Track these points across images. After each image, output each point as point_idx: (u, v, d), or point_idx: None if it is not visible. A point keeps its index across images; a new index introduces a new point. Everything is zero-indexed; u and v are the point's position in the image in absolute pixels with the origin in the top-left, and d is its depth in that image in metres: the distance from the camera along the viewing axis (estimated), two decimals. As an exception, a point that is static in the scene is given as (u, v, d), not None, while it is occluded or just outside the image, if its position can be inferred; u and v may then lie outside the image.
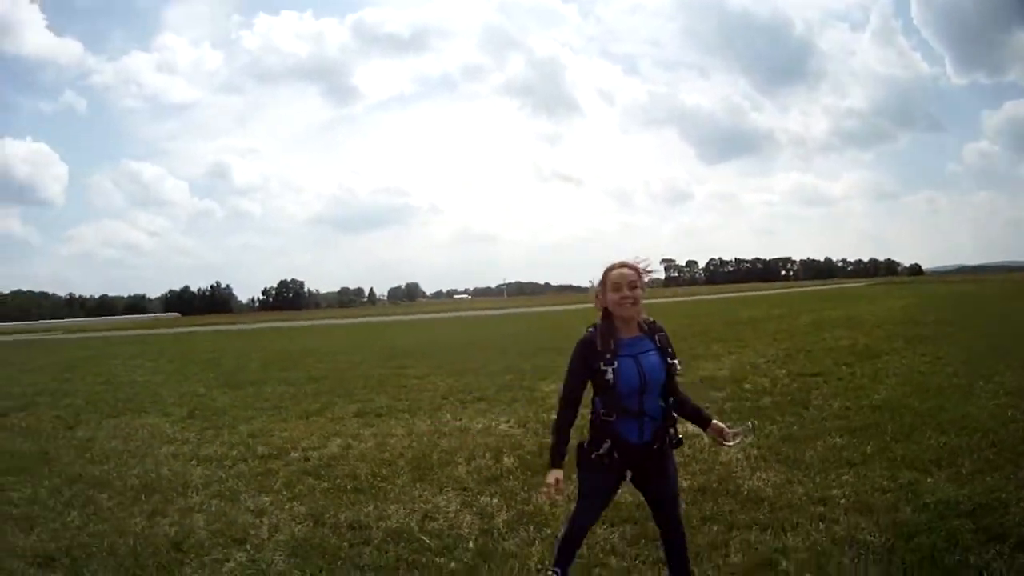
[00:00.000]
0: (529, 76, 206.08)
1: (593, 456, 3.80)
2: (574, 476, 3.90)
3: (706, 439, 7.88)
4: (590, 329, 3.85)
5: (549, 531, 5.29)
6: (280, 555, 5.17)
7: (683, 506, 4.21)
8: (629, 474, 3.84)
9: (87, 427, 10.81)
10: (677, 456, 6.81)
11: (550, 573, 4.02)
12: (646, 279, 3.86)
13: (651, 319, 3.92)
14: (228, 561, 5.12)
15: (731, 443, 3.92)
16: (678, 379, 3.88)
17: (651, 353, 3.76)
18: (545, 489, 3.79)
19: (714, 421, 3.92)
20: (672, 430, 3.86)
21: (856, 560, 4.51)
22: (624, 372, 3.68)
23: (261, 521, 5.95)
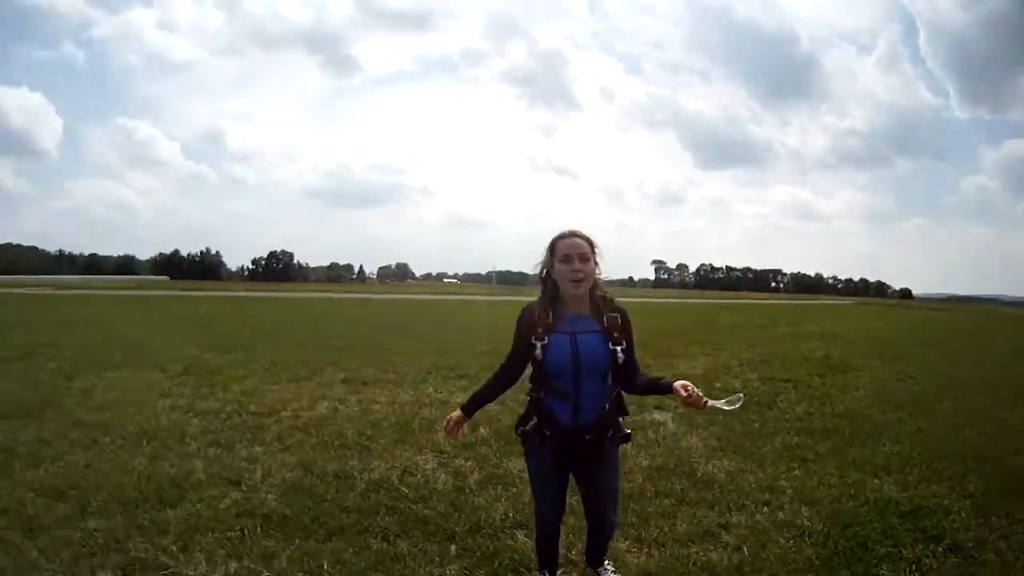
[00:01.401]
0: (530, 66, 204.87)
1: (518, 431, 3.78)
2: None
3: (671, 425, 8.44)
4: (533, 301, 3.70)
5: (515, 490, 5.89)
6: (272, 495, 5.68)
7: (618, 514, 4.10)
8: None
9: (86, 378, 11.20)
10: (640, 440, 7.36)
11: None
12: (598, 253, 3.62)
13: (610, 298, 3.65)
14: (225, 498, 5.60)
15: (713, 404, 3.19)
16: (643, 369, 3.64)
17: (592, 334, 3.51)
18: (443, 423, 3.99)
19: (678, 383, 3.25)
20: (618, 419, 3.67)
21: (792, 540, 4.93)
22: (554, 349, 3.50)
23: (254, 467, 6.46)
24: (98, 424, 8.02)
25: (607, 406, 3.57)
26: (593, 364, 3.47)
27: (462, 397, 9.97)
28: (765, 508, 5.63)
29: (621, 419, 3.70)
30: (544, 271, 3.63)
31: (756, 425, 8.71)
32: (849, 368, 14.76)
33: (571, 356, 3.46)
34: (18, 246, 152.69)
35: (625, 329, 3.57)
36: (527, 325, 3.58)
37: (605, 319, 3.54)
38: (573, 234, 3.57)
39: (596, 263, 3.57)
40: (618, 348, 3.49)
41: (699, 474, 6.50)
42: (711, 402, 3.17)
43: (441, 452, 7.09)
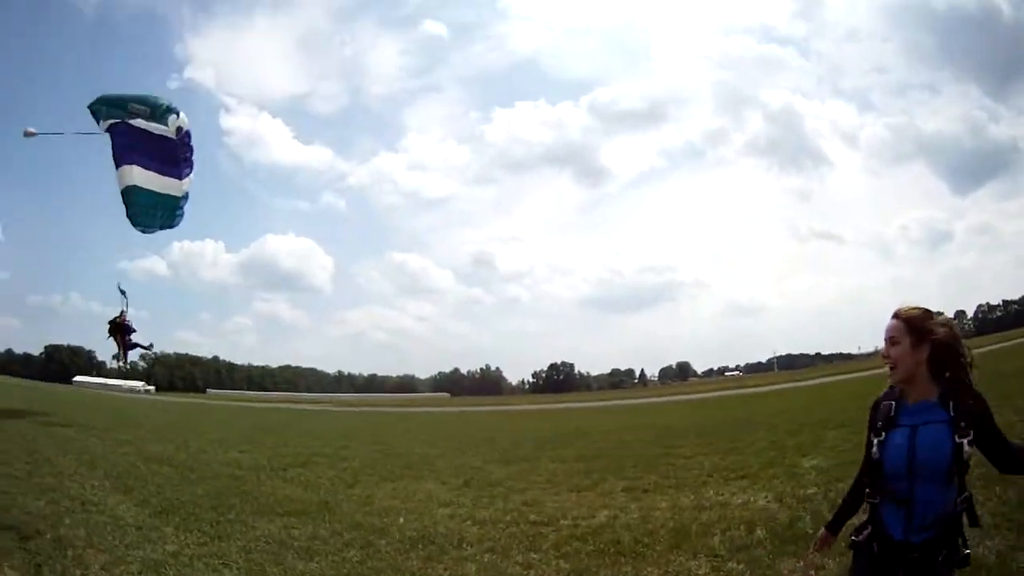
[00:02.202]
0: (770, 132, 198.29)
1: (852, 539, 3.37)
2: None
3: None
4: (889, 389, 3.35)
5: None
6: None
7: None
8: None
9: (365, 486, 11.94)
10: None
11: None
12: (929, 328, 3.17)
13: (963, 380, 3.17)
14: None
15: None
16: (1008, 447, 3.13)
17: (935, 426, 3.07)
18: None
19: None
20: (959, 537, 3.12)
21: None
22: (890, 447, 3.16)
23: (528, 573, 6.56)
24: (375, 527, 8.49)
25: (950, 517, 3.08)
26: (931, 461, 3.04)
27: (742, 498, 9.69)
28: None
29: (962, 537, 3.14)
30: None
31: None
32: None
33: (906, 454, 3.09)
34: (297, 367, 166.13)
35: (980, 416, 3.07)
36: (872, 421, 3.30)
37: (952, 406, 3.08)
38: (894, 315, 3.27)
39: (916, 344, 3.16)
40: (964, 441, 3.00)
41: None
42: None
43: (715, 555, 6.84)
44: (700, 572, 6.41)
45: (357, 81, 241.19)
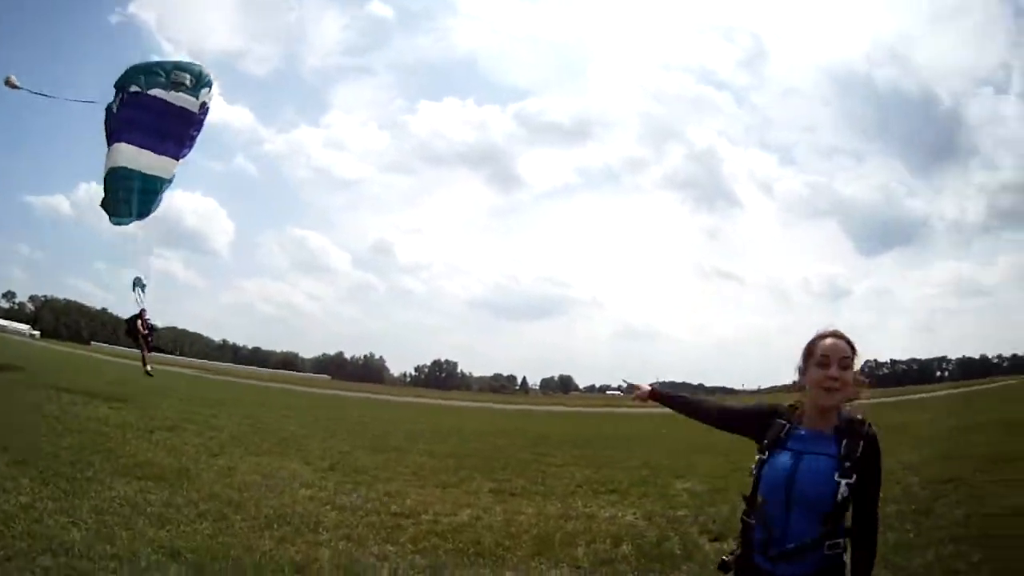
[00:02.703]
0: (689, 169, 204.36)
1: (722, 559, 3.24)
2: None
3: None
4: (790, 405, 3.23)
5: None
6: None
7: None
8: None
9: (230, 458, 11.55)
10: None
11: None
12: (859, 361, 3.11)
13: (860, 418, 3.06)
14: (346, 592, 5.40)
15: None
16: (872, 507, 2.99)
17: (822, 459, 2.94)
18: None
19: None
20: None
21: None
22: (772, 467, 3.03)
23: (383, 565, 6.36)
24: (232, 501, 8.16)
25: (821, 558, 2.92)
26: (810, 494, 2.91)
27: (610, 512, 9.68)
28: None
29: None
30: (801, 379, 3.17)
31: (911, 536, 7.82)
32: (1018, 459, 13.12)
33: (785, 481, 2.96)
34: (183, 330, 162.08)
35: (866, 462, 2.93)
36: (764, 425, 3.17)
37: (845, 444, 2.95)
38: (836, 335, 3.11)
39: (854, 372, 3.07)
40: (844, 482, 2.87)
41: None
42: None
43: (577, 566, 6.83)
44: (562, 583, 6.22)
45: (294, 48, 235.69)
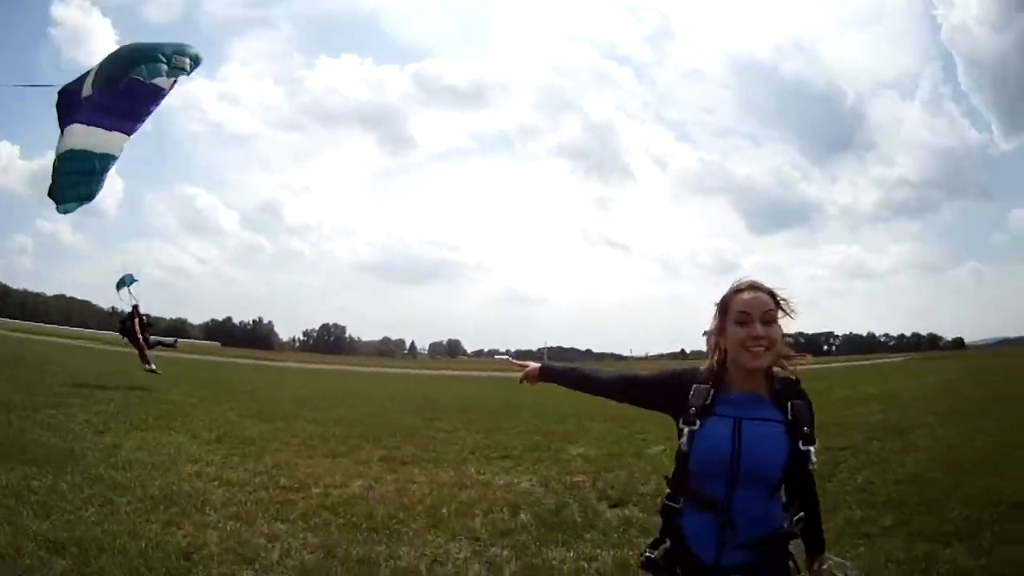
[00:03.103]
0: (584, 139, 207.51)
1: (644, 556, 2.80)
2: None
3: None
4: (704, 369, 2.82)
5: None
6: (287, 578, 5.40)
7: None
8: None
9: (115, 435, 11.23)
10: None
11: None
12: (786, 313, 2.75)
13: (792, 377, 2.74)
14: (235, 576, 5.36)
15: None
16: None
17: (768, 424, 2.61)
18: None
19: (826, 556, 2.76)
20: (788, 563, 2.68)
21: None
22: (707, 437, 2.64)
23: (273, 546, 6.27)
24: (117, 483, 7.96)
25: (777, 537, 2.64)
26: (760, 467, 2.59)
27: (505, 479, 9.83)
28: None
29: (793, 562, 2.71)
30: (712, 338, 2.81)
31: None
32: (907, 429, 14.10)
33: (730, 450, 2.58)
34: (72, 298, 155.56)
35: (811, 421, 2.66)
36: (681, 395, 2.75)
37: (790, 406, 2.64)
38: (754, 287, 2.73)
39: (781, 327, 2.72)
40: (810, 449, 2.60)
41: None
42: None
43: (476, 539, 6.82)
44: (461, 556, 6.31)
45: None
